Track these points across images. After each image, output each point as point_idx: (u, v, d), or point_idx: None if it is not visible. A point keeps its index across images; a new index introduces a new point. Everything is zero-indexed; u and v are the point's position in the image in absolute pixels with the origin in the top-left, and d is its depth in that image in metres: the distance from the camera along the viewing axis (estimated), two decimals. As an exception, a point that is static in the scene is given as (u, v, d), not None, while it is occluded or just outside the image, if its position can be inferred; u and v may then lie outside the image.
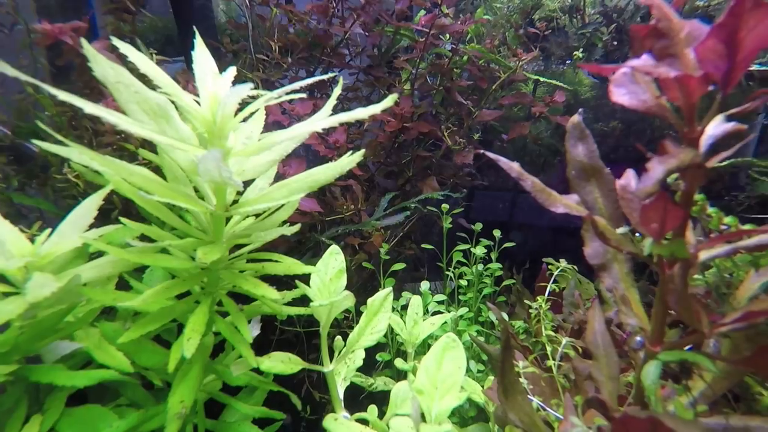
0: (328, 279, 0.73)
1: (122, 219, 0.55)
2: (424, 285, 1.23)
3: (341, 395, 0.77)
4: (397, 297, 1.18)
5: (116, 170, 0.46)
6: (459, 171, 1.63)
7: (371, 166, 1.65)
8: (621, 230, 0.57)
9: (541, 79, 1.27)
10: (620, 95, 0.46)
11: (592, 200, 0.65)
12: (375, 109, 0.52)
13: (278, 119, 0.97)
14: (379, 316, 0.77)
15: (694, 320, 0.49)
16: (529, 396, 0.80)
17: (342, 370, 0.82)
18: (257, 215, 0.66)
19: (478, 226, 1.50)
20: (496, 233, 1.44)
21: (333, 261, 0.77)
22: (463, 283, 1.34)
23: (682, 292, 0.48)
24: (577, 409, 0.69)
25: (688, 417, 0.47)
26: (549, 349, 0.88)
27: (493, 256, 1.44)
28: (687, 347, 0.56)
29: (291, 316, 1.18)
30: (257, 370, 0.76)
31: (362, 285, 1.43)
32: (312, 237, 1.15)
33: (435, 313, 1.22)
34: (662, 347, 0.53)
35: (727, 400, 0.67)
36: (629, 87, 0.46)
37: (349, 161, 0.60)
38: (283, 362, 0.68)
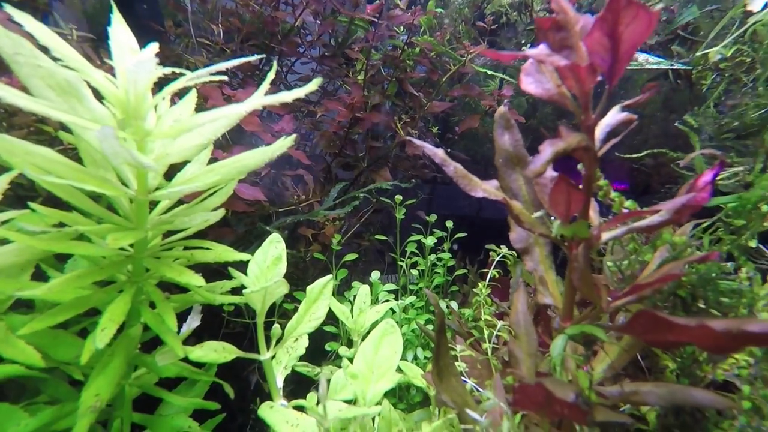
0: (265, 267, 0.73)
1: (31, 204, 0.52)
2: (374, 275, 1.24)
3: (280, 383, 0.77)
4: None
5: (12, 152, 0.43)
6: (415, 163, 1.65)
7: (328, 157, 1.65)
8: (537, 214, 0.60)
9: (489, 72, 1.31)
10: (528, 84, 0.49)
11: (517, 187, 0.68)
12: (299, 92, 0.52)
13: (218, 104, 0.95)
14: (319, 303, 0.77)
15: (595, 296, 0.53)
16: (464, 378, 0.83)
17: (283, 359, 0.82)
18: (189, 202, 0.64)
19: (433, 217, 1.53)
20: (449, 224, 1.48)
21: (272, 249, 0.76)
22: (415, 272, 1.36)
23: (584, 270, 0.52)
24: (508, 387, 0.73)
25: (584, 384, 0.51)
26: (486, 332, 0.92)
27: (446, 246, 1.48)
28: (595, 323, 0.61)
29: (240, 307, 1.17)
30: (197, 364, 0.75)
31: (317, 277, 1.42)
32: (260, 227, 1.13)
33: (386, 302, 1.24)
34: (571, 323, 0.57)
35: (643, 374, 0.72)
36: (536, 76, 0.49)
37: (280, 146, 0.60)
38: (216, 351, 0.67)
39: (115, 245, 0.45)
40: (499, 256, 1.03)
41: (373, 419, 0.86)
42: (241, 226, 1.22)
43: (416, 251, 1.46)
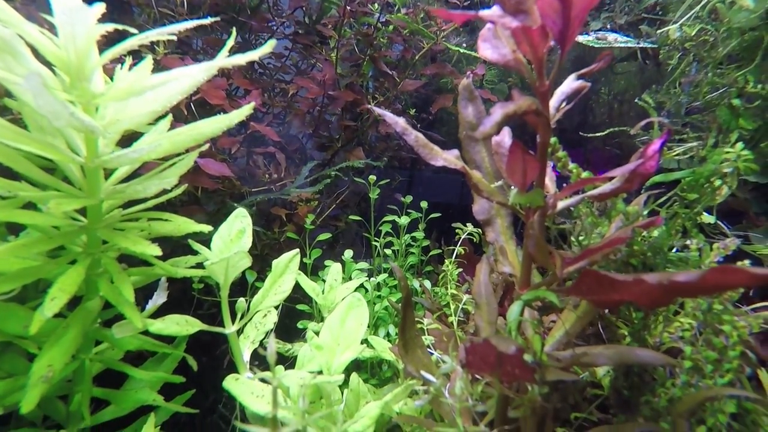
0: (229, 240, 0.72)
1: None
2: (347, 254, 1.24)
3: (247, 357, 0.77)
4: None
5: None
6: (390, 143, 1.65)
7: (303, 138, 1.62)
8: (496, 184, 0.61)
9: (461, 51, 1.30)
10: (485, 49, 0.49)
11: (480, 159, 0.69)
12: (254, 54, 0.50)
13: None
14: (284, 277, 0.77)
15: (549, 263, 0.54)
16: (430, 350, 0.85)
17: (251, 334, 0.82)
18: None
19: (408, 199, 1.54)
20: (423, 204, 1.49)
21: (237, 223, 0.75)
22: (389, 252, 1.37)
23: (539, 238, 0.53)
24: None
25: (537, 347, 0.53)
26: (453, 306, 0.94)
27: (421, 227, 1.49)
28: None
29: (210, 287, 1.15)
30: (168, 340, 0.74)
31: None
32: (230, 206, 1.12)
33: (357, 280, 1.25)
34: (527, 290, 0.58)
35: (603, 343, 0.76)
36: (492, 42, 0.49)
37: (238, 114, 0.58)
38: (178, 324, 0.66)
39: (57, 210, 0.43)
40: (465, 233, 1.05)
41: (342, 392, 0.87)
42: (212, 204, 1.20)
43: (392, 232, 1.47)
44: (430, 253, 1.49)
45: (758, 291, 0.90)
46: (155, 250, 0.54)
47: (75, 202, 0.46)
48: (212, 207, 1.17)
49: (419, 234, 1.44)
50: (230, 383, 0.69)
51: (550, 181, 0.59)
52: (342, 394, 0.84)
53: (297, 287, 1.16)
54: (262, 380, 0.74)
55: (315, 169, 1.26)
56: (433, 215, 1.49)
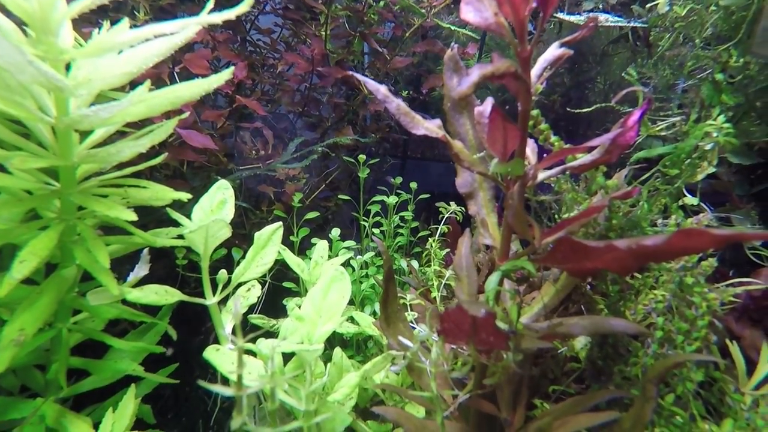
0: (210, 211, 0.71)
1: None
2: (334, 232, 1.24)
3: (229, 330, 0.77)
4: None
5: None
6: (380, 123, 1.63)
7: (293, 117, 1.60)
8: (479, 155, 0.61)
9: (452, 28, 1.28)
10: (467, 12, 0.48)
11: (464, 132, 0.68)
12: (230, 14, 0.49)
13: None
14: (267, 249, 0.77)
15: (528, 234, 0.55)
16: (413, 325, 0.86)
17: (234, 306, 0.82)
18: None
19: (398, 180, 1.54)
20: (413, 185, 1.49)
21: (219, 194, 0.74)
22: (377, 231, 1.37)
23: (518, 208, 0.53)
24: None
25: (513, 316, 0.54)
26: (436, 282, 0.95)
27: (410, 207, 1.49)
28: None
29: (194, 263, 1.15)
30: (153, 313, 0.74)
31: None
32: (214, 180, 1.10)
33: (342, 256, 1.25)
34: (506, 261, 0.59)
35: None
36: (475, 5, 0.48)
37: (217, 78, 0.57)
38: (157, 294, 0.66)
39: (21, 167, 0.42)
40: (450, 212, 1.05)
41: (326, 365, 0.88)
42: (197, 180, 1.18)
43: (381, 213, 1.47)
44: (419, 234, 1.49)
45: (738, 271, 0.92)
46: (131, 216, 0.53)
47: (41, 161, 0.45)
48: (198, 182, 1.15)
49: (408, 214, 1.45)
50: (210, 354, 0.70)
51: (531, 153, 0.59)
52: (325, 366, 0.85)
53: (285, 267, 1.16)
54: (246, 352, 0.74)
55: (302, 146, 1.25)
56: (422, 196, 1.49)
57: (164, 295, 0.66)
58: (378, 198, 1.44)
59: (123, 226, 0.66)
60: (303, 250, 1.28)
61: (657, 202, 0.77)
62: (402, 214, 1.42)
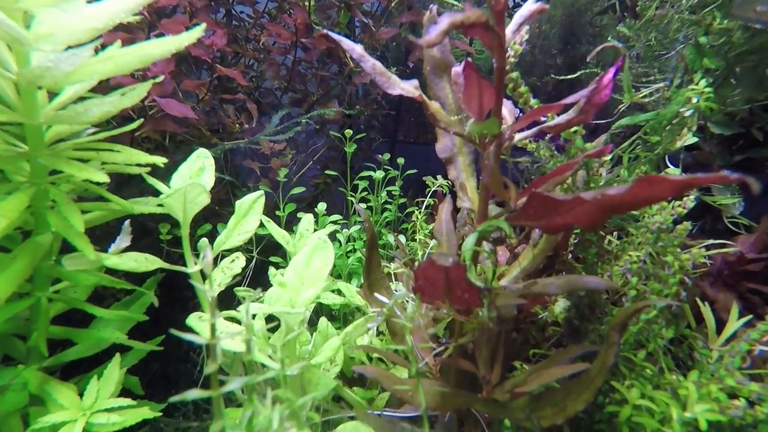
0: (188, 178, 0.70)
1: None
2: (320, 206, 1.24)
3: (210, 298, 0.77)
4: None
5: None
6: (366, 96, 1.61)
7: (278, 93, 1.57)
8: (456, 117, 0.61)
9: (439, -2, 1.26)
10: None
11: (444, 96, 0.67)
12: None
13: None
14: (249, 217, 0.77)
15: (503, 194, 0.55)
16: (394, 291, 0.87)
17: (218, 277, 0.82)
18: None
19: (386, 156, 1.53)
20: (400, 161, 1.48)
21: (197, 162, 0.74)
22: (363, 206, 1.37)
23: (494, 168, 0.54)
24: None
25: (489, 275, 0.54)
26: (420, 252, 0.96)
27: (398, 183, 1.49)
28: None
29: (178, 238, 1.14)
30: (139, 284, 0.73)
31: (268, 214, 1.41)
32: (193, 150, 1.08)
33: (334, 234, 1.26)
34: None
35: None
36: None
37: (188, 36, 0.55)
38: (136, 261, 0.66)
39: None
40: (436, 185, 1.05)
41: (312, 334, 0.89)
42: (180, 153, 1.16)
43: (369, 189, 1.46)
44: (407, 211, 1.49)
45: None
46: (102, 177, 0.52)
47: (1, 115, 0.44)
48: (180, 156, 1.14)
49: (395, 190, 1.45)
50: (194, 321, 0.70)
51: (509, 114, 0.59)
52: (311, 335, 0.86)
53: (272, 244, 1.16)
54: (229, 319, 0.75)
55: (287, 119, 1.23)
56: (409, 171, 1.49)
57: (144, 262, 0.66)
58: (365, 174, 1.44)
59: (100, 193, 0.66)
60: (290, 227, 1.28)
61: (637, 169, 0.78)
62: (389, 188, 1.42)
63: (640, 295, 0.61)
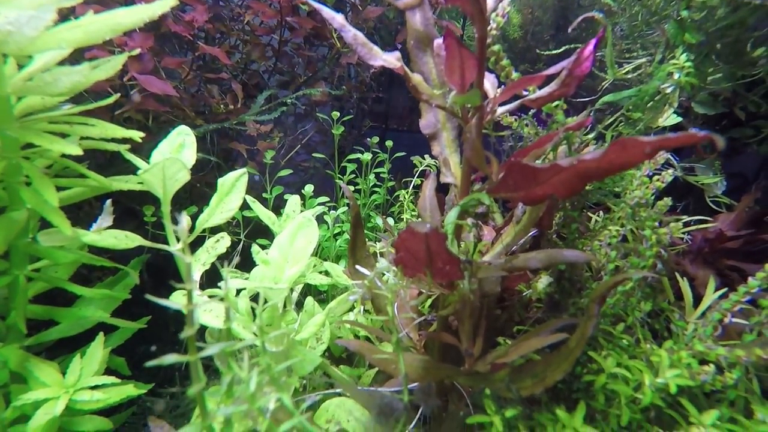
0: (168, 154, 0.69)
1: None
2: (308, 188, 1.23)
3: (197, 278, 0.77)
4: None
5: None
6: (356, 77, 1.59)
7: (265, 75, 1.54)
8: (439, 91, 0.60)
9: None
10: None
11: (428, 70, 0.67)
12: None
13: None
14: (231, 195, 0.76)
15: (485, 167, 0.55)
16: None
17: (202, 257, 0.81)
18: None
19: (375, 140, 1.52)
20: (389, 144, 1.48)
21: (178, 138, 0.72)
22: (351, 188, 1.37)
23: (476, 142, 0.53)
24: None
25: (470, 248, 0.55)
26: (407, 230, 0.96)
27: (386, 167, 1.48)
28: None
29: (162, 219, 1.13)
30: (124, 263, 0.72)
31: (256, 198, 1.40)
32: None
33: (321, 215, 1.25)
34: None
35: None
36: None
37: (161, 5, 0.54)
38: (116, 238, 0.65)
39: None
40: (424, 164, 1.05)
41: (298, 313, 0.90)
42: (163, 134, 1.14)
43: (357, 173, 1.46)
44: (396, 194, 1.49)
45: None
46: (75, 150, 0.51)
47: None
48: (163, 137, 1.12)
49: (384, 173, 1.44)
50: (177, 297, 0.70)
51: (491, 87, 0.58)
52: (297, 314, 0.86)
53: (260, 227, 1.15)
54: (210, 296, 0.74)
55: (273, 100, 1.21)
56: (398, 154, 1.48)
57: (124, 239, 0.65)
58: (353, 156, 1.43)
59: (78, 170, 0.64)
60: (279, 212, 1.28)
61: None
62: (378, 170, 1.41)
63: (619, 270, 0.62)
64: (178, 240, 0.74)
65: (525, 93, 0.64)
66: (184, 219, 0.38)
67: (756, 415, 0.48)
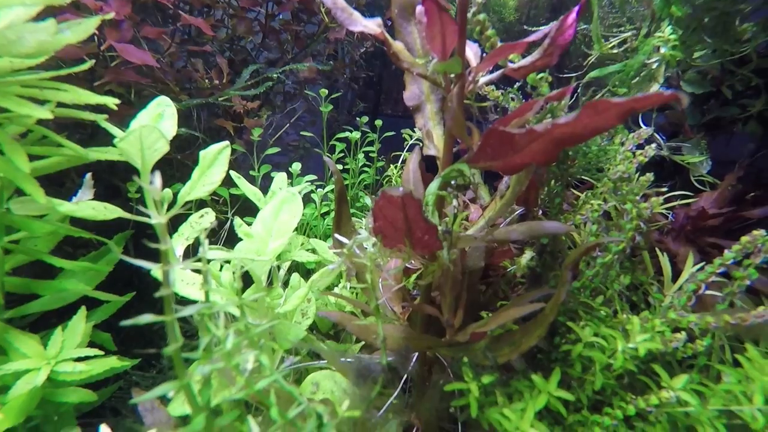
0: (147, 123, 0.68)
1: None
2: (295, 166, 1.22)
3: (179, 252, 0.76)
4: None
5: None
6: (346, 55, 1.57)
7: (253, 52, 1.51)
8: (421, 60, 0.59)
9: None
10: None
11: (412, 41, 0.65)
12: None
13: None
14: (214, 168, 0.75)
15: (466, 137, 0.55)
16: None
17: (186, 232, 0.81)
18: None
19: (364, 119, 1.50)
20: (378, 123, 1.46)
21: (157, 108, 0.71)
22: (339, 167, 1.36)
23: (457, 111, 0.53)
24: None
25: (450, 218, 0.55)
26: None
27: (376, 147, 1.47)
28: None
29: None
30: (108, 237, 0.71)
31: (244, 177, 1.39)
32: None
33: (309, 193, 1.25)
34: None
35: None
36: None
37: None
38: (94, 209, 0.64)
39: None
40: (413, 139, 1.04)
41: (284, 289, 0.90)
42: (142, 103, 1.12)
43: (346, 152, 1.45)
44: (385, 174, 1.49)
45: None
46: (44, 114, 0.49)
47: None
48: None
49: (373, 152, 1.43)
50: (159, 272, 0.69)
51: (473, 56, 0.58)
52: (284, 290, 0.86)
53: (247, 206, 1.14)
54: (193, 270, 0.74)
55: (259, 74, 1.19)
56: (387, 134, 1.47)
57: (102, 210, 0.64)
58: (342, 135, 1.42)
59: (53, 138, 0.63)
60: (266, 190, 1.27)
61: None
62: (367, 149, 1.40)
63: (604, 246, 0.63)
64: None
65: (511, 65, 0.64)
66: (158, 179, 0.38)
67: (723, 379, 0.49)
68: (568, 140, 0.39)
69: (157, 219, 0.39)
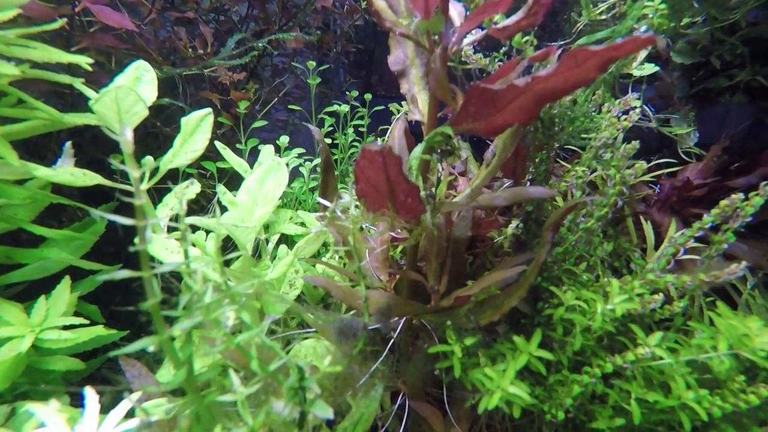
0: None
1: None
2: (283, 139, 1.20)
3: (164, 223, 0.75)
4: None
5: None
6: (335, 27, 1.53)
7: (240, 24, 1.46)
8: (405, 21, 0.58)
9: None
10: None
11: (396, 3, 0.64)
12: None
13: None
14: (196, 136, 0.73)
15: (450, 99, 0.54)
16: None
17: (170, 202, 0.80)
18: None
19: (354, 93, 1.48)
20: (368, 97, 1.44)
21: (134, 72, 0.69)
22: (328, 141, 1.34)
23: (441, 73, 0.52)
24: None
25: (434, 181, 0.55)
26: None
27: (365, 121, 1.45)
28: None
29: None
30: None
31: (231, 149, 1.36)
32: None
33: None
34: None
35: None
36: None
37: None
38: (72, 175, 0.63)
39: None
40: (402, 113, 1.03)
41: (273, 259, 0.90)
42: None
43: (335, 127, 1.43)
44: (376, 150, 1.47)
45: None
46: (11, 70, 0.48)
47: None
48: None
49: (362, 126, 1.41)
50: (156, 244, 0.69)
51: (458, 17, 0.56)
52: (272, 262, 0.86)
53: (234, 179, 1.13)
54: (177, 239, 0.74)
55: (244, 43, 1.15)
56: (377, 108, 1.45)
57: (81, 177, 0.63)
58: (330, 109, 1.39)
59: (28, 101, 0.61)
60: (253, 165, 1.25)
61: (593, 93, 0.77)
62: (356, 122, 1.39)
63: (587, 212, 0.63)
64: (142, 181, 0.72)
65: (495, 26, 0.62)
66: (128, 132, 0.37)
67: (695, 335, 0.51)
68: (550, 95, 0.39)
69: (133, 172, 0.38)
